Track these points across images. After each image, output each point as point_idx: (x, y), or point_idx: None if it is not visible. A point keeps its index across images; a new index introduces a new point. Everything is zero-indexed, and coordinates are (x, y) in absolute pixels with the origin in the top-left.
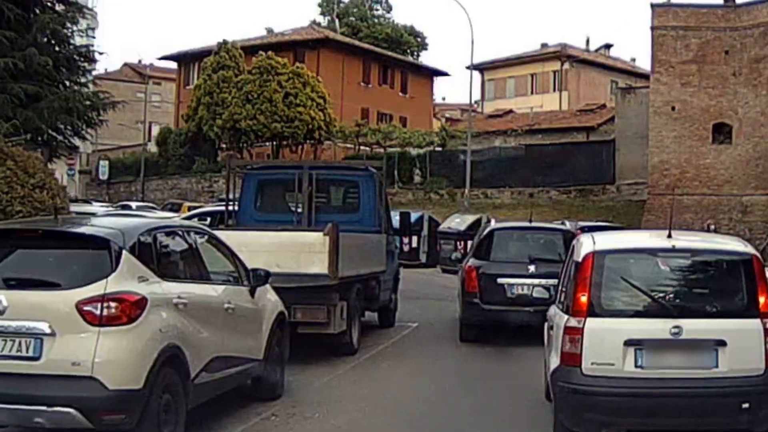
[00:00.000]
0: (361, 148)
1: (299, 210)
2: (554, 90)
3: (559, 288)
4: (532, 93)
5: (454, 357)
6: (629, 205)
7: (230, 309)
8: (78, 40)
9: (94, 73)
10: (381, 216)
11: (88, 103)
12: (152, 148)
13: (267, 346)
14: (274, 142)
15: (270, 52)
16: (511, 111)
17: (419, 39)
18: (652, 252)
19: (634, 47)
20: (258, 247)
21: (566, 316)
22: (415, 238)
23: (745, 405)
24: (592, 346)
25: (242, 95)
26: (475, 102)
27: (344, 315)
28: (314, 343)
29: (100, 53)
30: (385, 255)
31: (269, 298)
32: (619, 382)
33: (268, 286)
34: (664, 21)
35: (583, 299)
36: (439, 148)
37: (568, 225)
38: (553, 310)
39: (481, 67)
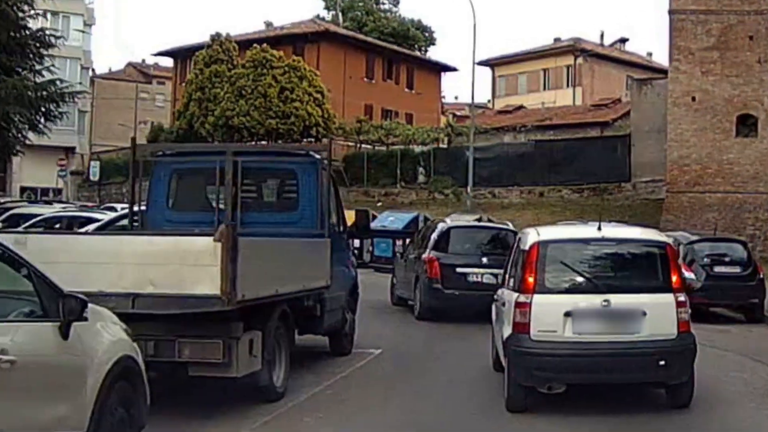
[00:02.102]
0: (363, 146)
1: (223, 207)
2: (568, 86)
3: (506, 273)
4: (544, 89)
5: (408, 402)
6: (646, 204)
7: (8, 362)
8: (33, 23)
9: (99, 72)
10: (326, 215)
11: (44, 93)
12: None
13: (95, 410)
14: (269, 141)
15: (265, 45)
16: (521, 107)
17: (427, 34)
18: (585, 241)
19: (651, 41)
20: (127, 257)
21: (516, 294)
22: (409, 241)
23: (662, 362)
24: (538, 316)
25: (235, 90)
26: (488, 100)
27: (257, 350)
28: (225, 387)
29: (57, 37)
30: (334, 265)
31: (104, 337)
32: (561, 346)
33: (108, 316)
34: (683, 4)
35: (530, 279)
36: (445, 146)
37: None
38: (501, 291)
39: (492, 63)
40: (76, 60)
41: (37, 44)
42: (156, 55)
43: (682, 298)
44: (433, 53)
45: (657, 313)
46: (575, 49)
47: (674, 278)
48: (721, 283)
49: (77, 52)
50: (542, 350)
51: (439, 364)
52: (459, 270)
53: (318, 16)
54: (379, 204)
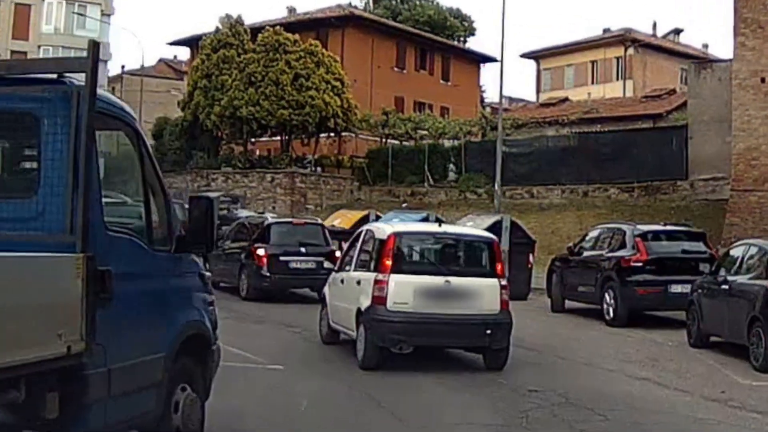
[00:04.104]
0: (389, 140)
1: None
2: (617, 78)
3: (353, 259)
4: (593, 82)
5: None
6: (706, 206)
7: None
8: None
9: (127, 68)
10: (91, 204)
11: None
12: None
13: None
14: (284, 135)
15: (278, 27)
16: (566, 99)
17: (466, 23)
18: (431, 234)
19: (708, 33)
20: None
21: (375, 273)
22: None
23: (488, 331)
24: (393, 292)
25: (244, 77)
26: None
27: None
28: None
29: None
30: (132, 306)
31: None
32: (411, 315)
33: None
34: None
35: (388, 263)
36: (478, 140)
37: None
38: (341, 274)
39: (536, 55)
40: None
41: None
42: (172, 44)
43: (503, 282)
44: (473, 44)
45: (485, 293)
46: (626, 39)
47: (498, 267)
48: None
49: None
50: (396, 318)
51: None
52: (281, 258)
53: (350, 5)
54: (404, 205)
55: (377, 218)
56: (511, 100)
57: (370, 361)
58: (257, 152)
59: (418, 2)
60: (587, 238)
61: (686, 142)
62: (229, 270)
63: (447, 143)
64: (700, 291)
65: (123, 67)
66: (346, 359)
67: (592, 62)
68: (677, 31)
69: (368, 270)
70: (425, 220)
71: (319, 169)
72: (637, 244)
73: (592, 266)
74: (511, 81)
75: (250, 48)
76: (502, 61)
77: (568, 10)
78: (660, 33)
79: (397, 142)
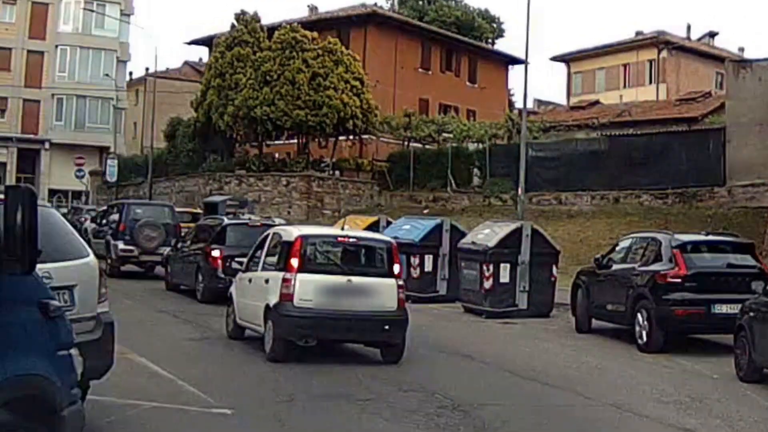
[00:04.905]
0: (412, 143)
1: None
2: (650, 82)
3: (260, 259)
4: (625, 86)
5: None
6: (745, 214)
7: None
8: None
9: (151, 71)
10: None
11: None
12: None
13: None
14: (300, 138)
15: (295, 24)
16: (597, 102)
17: (495, 25)
18: (334, 237)
19: (744, 36)
20: None
21: (282, 273)
22: (429, 258)
23: (386, 327)
24: (299, 290)
25: (259, 76)
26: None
27: None
28: None
29: None
30: None
31: None
32: (315, 311)
33: None
34: None
35: (295, 263)
36: (504, 143)
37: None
38: (248, 274)
39: (567, 58)
40: (111, 52)
41: None
42: (189, 44)
43: (400, 282)
44: (502, 46)
45: (384, 292)
46: (659, 42)
47: (396, 268)
48: None
49: (113, 44)
50: (302, 314)
51: None
52: (237, 260)
53: (375, 4)
54: (426, 211)
55: (388, 224)
56: (540, 103)
57: (277, 354)
58: (276, 155)
59: (445, 3)
60: (617, 248)
61: (724, 146)
62: (187, 272)
63: (471, 146)
64: (751, 314)
65: (147, 69)
66: (313, 400)
67: (624, 65)
68: (712, 34)
69: (276, 270)
70: (439, 227)
71: (337, 172)
72: (675, 256)
73: (623, 281)
74: (541, 84)
75: (266, 46)
76: (526, 62)
77: (600, 12)
78: (694, 36)
79: (419, 145)
